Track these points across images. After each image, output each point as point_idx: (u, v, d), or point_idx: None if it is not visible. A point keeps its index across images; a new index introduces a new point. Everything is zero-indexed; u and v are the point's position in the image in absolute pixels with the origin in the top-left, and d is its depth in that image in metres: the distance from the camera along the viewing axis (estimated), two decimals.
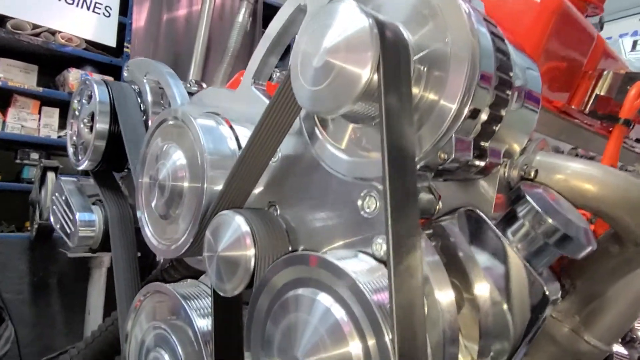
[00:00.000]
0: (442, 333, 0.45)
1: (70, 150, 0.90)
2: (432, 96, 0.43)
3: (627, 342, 1.07)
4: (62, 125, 2.67)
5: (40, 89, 2.52)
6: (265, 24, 3.19)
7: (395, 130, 0.39)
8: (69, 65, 2.61)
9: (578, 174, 0.55)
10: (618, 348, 1.08)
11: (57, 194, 0.88)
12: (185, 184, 0.63)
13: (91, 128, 0.84)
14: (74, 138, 0.89)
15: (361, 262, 0.43)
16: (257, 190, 0.57)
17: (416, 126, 0.42)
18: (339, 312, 0.40)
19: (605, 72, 0.75)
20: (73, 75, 2.56)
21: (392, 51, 0.41)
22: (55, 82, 2.69)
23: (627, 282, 0.63)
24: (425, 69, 0.44)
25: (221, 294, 0.53)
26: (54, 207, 0.89)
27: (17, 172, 2.59)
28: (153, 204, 0.65)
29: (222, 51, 2.98)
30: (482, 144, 0.45)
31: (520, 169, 0.56)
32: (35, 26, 2.48)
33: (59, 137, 2.63)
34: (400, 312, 0.37)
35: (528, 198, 0.43)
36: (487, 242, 0.46)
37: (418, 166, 0.43)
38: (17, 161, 2.50)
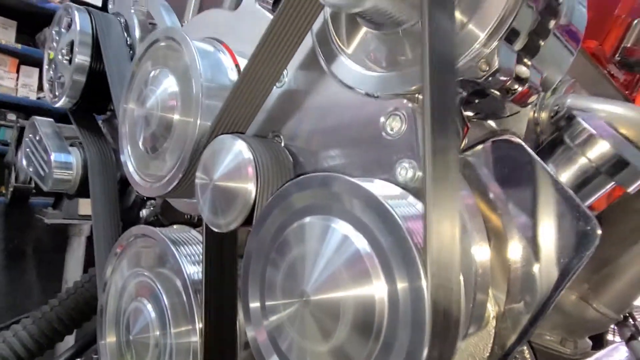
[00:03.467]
0: (474, 278, 0.39)
1: (46, 85, 0.82)
2: None
3: (619, 322, 1.05)
4: (42, 86, 2.54)
5: (19, 46, 2.38)
6: None
7: (438, 30, 0.33)
8: (50, 23, 2.47)
9: (615, 117, 0.49)
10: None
11: (30, 135, 0.80)
12: (176, 115, 0.56)
13: (70, 61, 0.76)
14: (51, 72, 0.80)
15: (383, 187, 0.37)
16: (259, 118, 0.51)
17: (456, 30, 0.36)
18: (361, 242, 0.34)
19: (634, 22, 0.70)
20: None
21: None
22: (35, 40, 2.55)
23: None
24: None
25: (214, 229, 0.46)
26: (27, 149, 0.80)
27: None
28: (138, 136, 0.58)
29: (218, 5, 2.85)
30: (525, 60, 0.39)
31: (550, 111, 0.50)
32: None
33: (39, 98, 2.50)
34: (436, 249, 0.31)
35: (580, 120, 0.37)
36: (522, 176, 0.40)
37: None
38: None
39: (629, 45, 0.70)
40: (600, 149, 0.37)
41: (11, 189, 2.05)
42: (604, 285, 0.64)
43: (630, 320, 1.03)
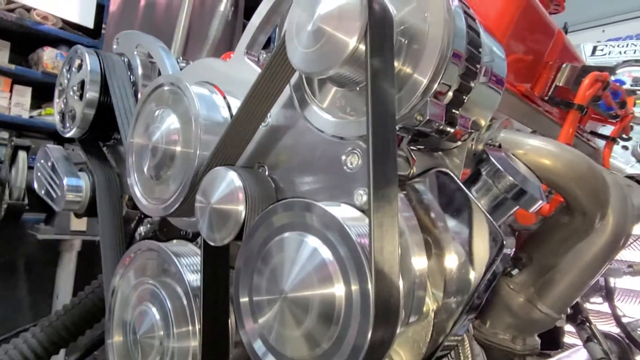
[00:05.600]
0: (413, 278, 0.50)
1: (57, 117, 0.91)
2: (410, 65, 0.48)
3: (578, 323, 1.16)
4: (34, 105, 2.62)
5: (13, 67, 2.46)
6: (246, 15, 3.20)
7: (379, 91, 0.45)
8: (43, 44, 2.56)
9: (536, 149, 0.62)
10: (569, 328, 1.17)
11: (42, 161, 0.90)
12: (178, 148, 0.67)
13: (81, 96, 0.86)
14: (62, 106, 0.90)
15: (344, 210, 0.49)
16: (247, 152, 0.62)
17: (396, 90, 0.48)
18: (326, 253, 0.45)
19: (563, 65, 0.83)
20: (48, 55, 2.51)
21: (378, 22, 0.46)
22: (28, 60, 2.63)
23: (575, 253, 0.70)
24: (406, 41, 0.49)
25: (211, 243, 0.57)
26: (39, 173, 0.90)
27: None
28: (144, 165, 0.68)
29: (202, 41, 2.97)
30: (453, 111, 0.51)
31: (485, 144, 0.63)
32: (9, 1, 2.43)
33: (31, 117, 2.57)
34: (378, 254, 0.42)
35: (491, 158, 0.49)
36: (454, 199, 0.52)
37: (397, 126, 0.48)
38: None
39: (560, 84, 0.83)
40: (506, 181, 0.49)
41: (5, 206, 2.11)
42: (546, 289, 0.75)
43: (587, 323, 1.15)
